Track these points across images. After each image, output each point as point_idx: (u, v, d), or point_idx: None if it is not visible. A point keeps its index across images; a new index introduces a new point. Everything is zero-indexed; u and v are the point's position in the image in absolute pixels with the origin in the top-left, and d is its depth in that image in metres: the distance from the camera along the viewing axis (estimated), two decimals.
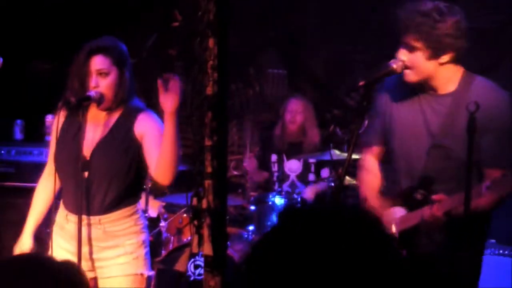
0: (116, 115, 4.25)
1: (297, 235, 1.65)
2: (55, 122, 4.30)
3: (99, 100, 4.15)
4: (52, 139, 4.34)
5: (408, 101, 4.09)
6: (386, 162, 4.32)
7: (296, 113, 7.18)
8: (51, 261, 2.13)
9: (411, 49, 3.90)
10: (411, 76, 3.95)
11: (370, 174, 4.33)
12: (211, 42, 2.48)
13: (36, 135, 7.27)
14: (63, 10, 7.44)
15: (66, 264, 2.13)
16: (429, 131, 4.00)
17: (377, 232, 1.66)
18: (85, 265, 4.11)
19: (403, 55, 3.92)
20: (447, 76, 3.94)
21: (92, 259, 4.19)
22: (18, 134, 7.31)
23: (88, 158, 4.13)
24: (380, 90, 4.19)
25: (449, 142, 3.92)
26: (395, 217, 4.04)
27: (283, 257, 1.64)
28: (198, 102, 2.50)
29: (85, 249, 4.12)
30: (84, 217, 4.10)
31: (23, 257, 2.13)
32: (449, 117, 3.92)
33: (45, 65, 7.91)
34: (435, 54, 3.87)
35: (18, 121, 7.30)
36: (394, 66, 3.91)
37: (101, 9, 7.68)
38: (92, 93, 4.12)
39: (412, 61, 3.90)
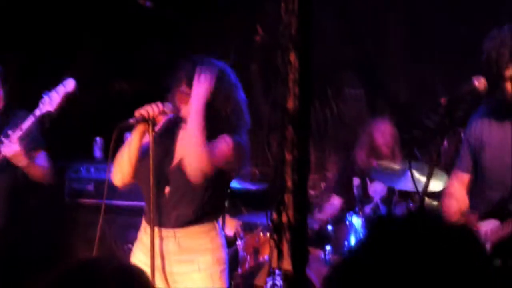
0: None
1: (395, 244, 1.62)
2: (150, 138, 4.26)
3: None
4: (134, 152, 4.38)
5: (501, 122, 4.04)
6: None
7: (388, 136, 6.80)
8: (104, 268, 2.03)
9: None
10: None
11: (455, 201, 4.23)
12: (292, 56, 2.46)
13: (115, 153, 7.33)
14: (145, 32, 7.54)
15: (122, 270, 2.04)
16: None
17: (473, 244, 1.63)
18: (159, 278, 4.19)
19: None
20: None
21: (166, 272, 4.24)
22: (98, 152, 7.37)
23: (170, 170, 4.23)
24: (472, 118, 4.16)
25: None
26: (487, 228, 3.97)
27: (378, 267, 1.61)
28: (279, 117, 2.49)
29: (159, 262, 4.18)
30: (159, 229, 4.18)
31: (75, 265, 2.04)
32: None
33: (125, 85, 8.00)
34: None
35: (98, 139, 7.37)
36: (476, 83, 3.83)
37: (180, 29, 7.75)
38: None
39: None
